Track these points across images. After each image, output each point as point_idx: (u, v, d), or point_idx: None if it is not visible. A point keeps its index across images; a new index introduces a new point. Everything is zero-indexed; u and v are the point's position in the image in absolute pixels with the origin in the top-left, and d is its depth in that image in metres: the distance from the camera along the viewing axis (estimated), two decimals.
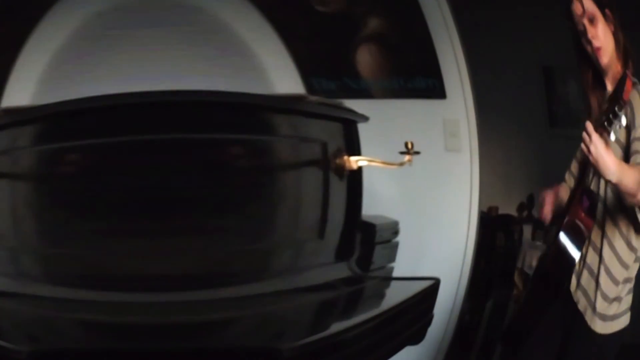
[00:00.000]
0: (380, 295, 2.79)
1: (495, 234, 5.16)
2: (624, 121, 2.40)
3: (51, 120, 2.40)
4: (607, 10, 2.67)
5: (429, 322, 2.86)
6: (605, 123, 2.42)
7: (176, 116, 2.36)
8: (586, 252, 2.64)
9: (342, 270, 2.74)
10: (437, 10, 3.84)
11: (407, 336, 2.67)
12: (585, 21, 2.65)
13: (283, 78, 3.76)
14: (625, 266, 2.61)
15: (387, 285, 2.89)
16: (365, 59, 3.86)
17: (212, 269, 2.36)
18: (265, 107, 2.52)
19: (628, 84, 2.40)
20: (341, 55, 3.84)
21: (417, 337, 2.78)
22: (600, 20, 2.65)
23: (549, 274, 2.63)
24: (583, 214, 2.57)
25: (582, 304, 2.64)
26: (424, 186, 3.81)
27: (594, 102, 2.72)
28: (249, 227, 2.42)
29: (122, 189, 2.33)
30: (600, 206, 2.62)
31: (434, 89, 3.85)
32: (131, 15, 3.57)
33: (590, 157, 2.41)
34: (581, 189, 2.65)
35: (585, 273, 2.65)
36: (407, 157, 2.80)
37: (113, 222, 2.33)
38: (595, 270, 2.63)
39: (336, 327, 2.28)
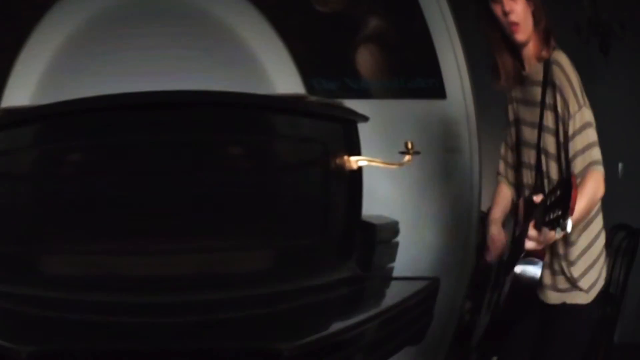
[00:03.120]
0: (380, 295, 2.79)
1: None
2: (569, 228, 2.25)
3: (51, 120, 2.40)
4: None
5: (429, 322, 2.86)
6: (551, 227, 2.31)
7: (176, 116, 2.36)
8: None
9: (342, 270, 2.74)
10: (437, 10, 3.83)
11: (407, 336, 2.67)
12: None
13: (283, 78, 3.76)
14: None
15: (387, 285, 2.89)
16: (365, 59, 3.85)
17: (212, 270, 2.37)
18: (265, 107, 2.52)
19: (574, 194, 2.24)
20: (341, 55, 3.84)
21: (417, 337, 2.78)
22: None
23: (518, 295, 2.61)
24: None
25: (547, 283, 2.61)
26: (424, 186, 3.81)
27: (502, 65, 2.61)
28: (249, 227, 2.42)
29: (122, 189, 2.33)
30: (546, 182, 2.58)
31: (434, 89, 3.84)
32: (131, 16, 3.57)
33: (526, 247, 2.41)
34: (526, 201, 2.59)
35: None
36: (407, 157, 2.80)
37: (113, 223, 2.33)
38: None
39: (336, 327, 2.28)
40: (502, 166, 2.82)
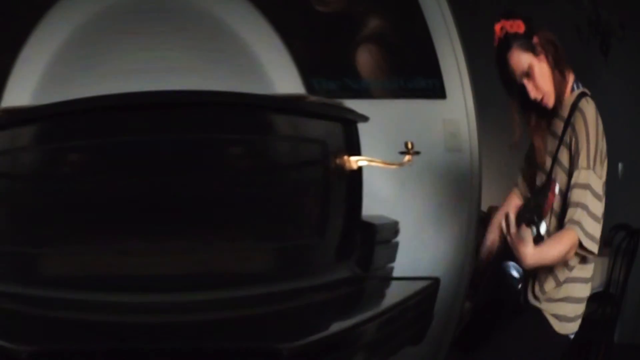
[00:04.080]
0: (380, 295, 2.79)
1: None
2: (543, 229, 2.41)
3: (51, 120, 2.40)
4: (534, 39, 2.57)
5: (429, 322, 2.86)
6: (527, 222, 2.43)
7: (176, 116, 2.36)
8: None
9: (342, 270, 2.74)
10: (437, 10, 3.83)
11: (407, 336, 2.67)
12: (524, 80, 2.59)
13: (283, 78, 3.76)
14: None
15: (387, 285, 2.89)
16: (365, 59, 3.85)
17: (212, 270, 2.37)
18: (265, 107, 2.52)
19: (551, 197, 2.39)
20: (341, 55, 3.84)
21: (417, 337, 2.78)
22: (535, 64, 2.57)
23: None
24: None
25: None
26: (424, 186, 3.81)
27: (537, 141, 2.69)
28: (249, 227, 2.42)
29: (122, 189, 2.33)
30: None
31: (434, 89, 3.84)
32: (131, 16, 3.57)
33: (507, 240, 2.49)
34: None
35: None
36: (407, 157, 2.80)
37: (113, 223, 2.33)
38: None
39: (336, 327, 2.28)
40: (520, 179, 2.87)
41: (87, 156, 2.39)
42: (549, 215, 2.57)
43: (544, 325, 2.60)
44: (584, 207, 2.50)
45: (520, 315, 2.63)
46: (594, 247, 2.53)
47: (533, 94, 2.59)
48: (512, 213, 2.52)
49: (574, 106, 2.57)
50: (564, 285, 2.60)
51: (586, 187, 2.51)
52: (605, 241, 2.70)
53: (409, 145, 2.80)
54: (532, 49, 2.57)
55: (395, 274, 3.01)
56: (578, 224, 2.50)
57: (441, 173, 3.83)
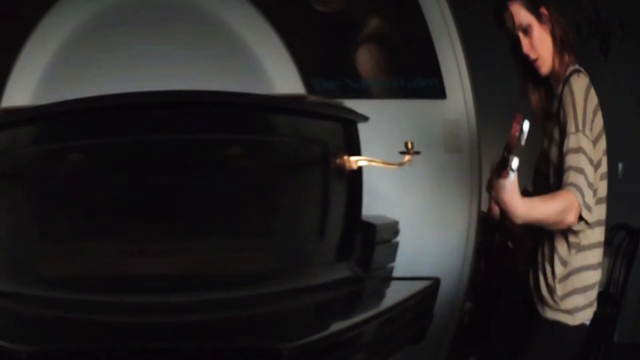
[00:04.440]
0: (380, 295, 2.79)
1: (495, 234, 5.15)
2: (515, 164, 2.30)
3: (51, 120, 2.40)
4: (542, 9, 2.57)
5: (429, 322, 2.86)
6: (501, 166, 2.34)
7: (176, 116, 2.36)
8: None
9: (342, 270, 2.74)
10: (437, 10, 3.83)
11: (407, 336, 2.67)
12: (519, 33, 2.56)
13: (283, 78, 3.75)
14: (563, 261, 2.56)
15: (387, 285, 2.89)
16: (365, 59, 3.85)
17: (212, 269, 2.36)
18: (265, 107, 2.52)
19: (514, 127, 2.28)
20: (341, 55, 3.84)
21: (417, 337, 2.78)
22: (535, 26, 2.56)
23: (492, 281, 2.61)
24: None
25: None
26: (424, 186, 3.81)
27: (534, 101, 2.65)
28: (249, 227, 2.42)
29: (122, 189, 2.33)
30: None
31: (434, 89, 3.84)
32: (131, 16, 3.56)
33: (493, 198, 2.41)
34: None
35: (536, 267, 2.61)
36: (407, 157, 2.80)
37: (113, 223, 2.33)
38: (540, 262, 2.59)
39: (336, 327, 2.28)
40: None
41: (87, 156, 2.39)
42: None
43: (557, 330, 2.55)
44: (580, 171, 2.43)
45: (531, 325, 2.59)
46: (589, 217, 2.44)
47: (526, 49, 2.56)
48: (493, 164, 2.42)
49: (565, 82, 2.54)
50: (570, 278, 2.55)
51: (578, 150, 2.44)
52: (605, 241, 2.66)
53: (409, 145, 2.80)
54: (536, 14, 2.55)
55: (395, 274, 3.01)
56: (575, 186, 2.41)
57: (441, 173, 3.83)
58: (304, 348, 2.04)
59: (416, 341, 2.78)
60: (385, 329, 2.44)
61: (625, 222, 4.57)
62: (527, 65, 2.62)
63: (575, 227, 2.47)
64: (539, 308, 2.59)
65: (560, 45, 2.57)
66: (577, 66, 2.58)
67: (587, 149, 2.46)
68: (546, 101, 2.66)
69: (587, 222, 2.45)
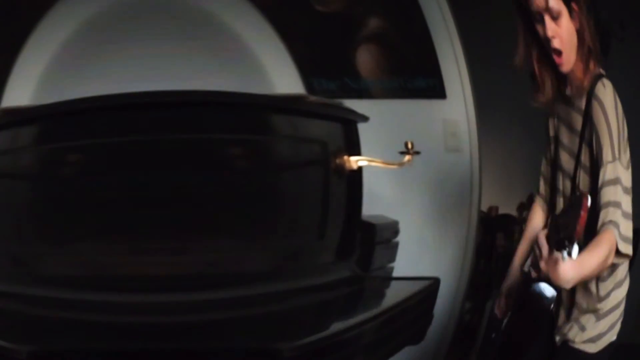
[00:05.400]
0: (380, 295, 2.78)
1: (495, 234, 5.16)
2: (575, 253, 2.17)
3: (51, 120, 2.40)
4: (573, 4, 2.36)
5: (429, 322, 2.86)
6: (557, 248, 2.19)
7: (176, 116, 2.36)
8: None
9: (342, 270, 2.73)
10: (437, 10, 3.84)
11: (407, 336, 2.67)
12: (547, 16, 2.35)
13: (283, 78, 3.76)
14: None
15: (387, 285, 2.89)
16: (365, 59, 3.86)
17: (212, 269, 2.36)
18: (265, 107, 2.52)
19: (583, 216, 2.11)
20: (341, 55, 3.84)
21: (417, 337, 2.78)
22: (565, 16, 2.36)
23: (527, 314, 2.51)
24: None
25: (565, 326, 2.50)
26: (424, 186, 3.81)
27: (545, 79, 2.45)
28: (249, 228, 2.42)
29: (122, 189, 2.33)
30: None
31: (434, 89, 3.85)
32: (131, 16, 3.57)
33: (540, 273, 2.27)
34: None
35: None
36: (407, 157, 2.80)
37: (113, 222, 2.33)
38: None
39: (336, 327, 2.27)
40: (541, 185, 2.67)
41: (87, 156, 2.39)
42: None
43: (576, 356, 2.46)
44: (617, 205, 2.30)
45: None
46: (629, 250, 2.31)
47: (552, 32, 2.35)
48: (542, 236, 2.27)
49: (590, 94, 2.39)
50: (609, 297, 2.45)
51: (616, 182, 2.31)
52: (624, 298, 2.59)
53: (409, 145, 2.80)
54: (567, 5, 2.35)
55: (395, 274, 3.01)
56: (614, 223, 2.28)
57: (441, 173, 3.83)
58: (304, 348, 2.04)
59: (416, 341, 2.78)
60: (385, 329, 2.43)
61: None
62: (543, 56, 2.43)
63: (616, 261, 2.35)
64: (559, 335, 2.50)
65: (587, 50, 2.39)
66: (600, 70, 2.43)
67: (623, 178, 2.33)
68: (555, 94, 2.48)
69: (627, 256, 2.33)
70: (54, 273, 2.38)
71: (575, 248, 2.18)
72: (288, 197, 2.53)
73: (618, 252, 2.30)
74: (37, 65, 3.56)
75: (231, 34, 3.69)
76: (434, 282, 2.90)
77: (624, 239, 2.30)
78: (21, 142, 2.44)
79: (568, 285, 2.26)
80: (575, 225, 2.12)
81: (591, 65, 2.42)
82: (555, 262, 2.21)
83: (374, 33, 3.84)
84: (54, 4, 3.60)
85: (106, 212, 2.33)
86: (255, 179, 2.44)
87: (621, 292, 2.50)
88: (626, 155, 2.38)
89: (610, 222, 2.29)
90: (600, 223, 2.30)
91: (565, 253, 2.17)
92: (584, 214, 2.12)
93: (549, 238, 2.26)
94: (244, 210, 2.40)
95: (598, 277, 2.43)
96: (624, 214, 2.32)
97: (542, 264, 2.26)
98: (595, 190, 2.35)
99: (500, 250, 5.16)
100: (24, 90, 3.51)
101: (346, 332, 2.24)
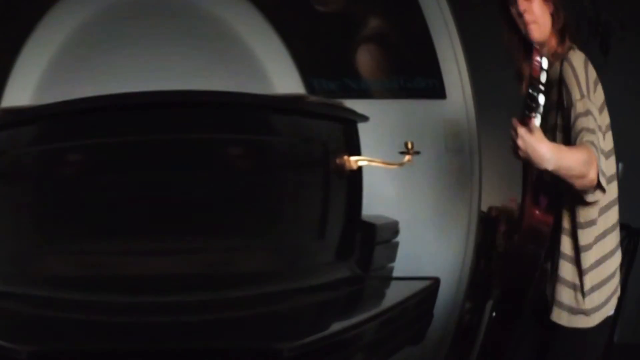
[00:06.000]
0: (380, 295, 2.79)
1: (495, 234, 5.16)
2: (541, 100, 2.21)
3: (51, 120, 2.40)
4: None
5: (428, 322, 2.86)
6: (526, 110, 2.26)
7: (176, 116, 2.36)
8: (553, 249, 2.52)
9: (342, 270, 2.74)
10: (437, 10, 3.83)
11: (407, 336, 2.67)
12: None
13: (283, 78, 3.76)
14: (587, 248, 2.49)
15: (387, 285, 2.89)
16: (365, 59, 3.85)
17: (212, 270, 2.37)
18: (265, 107, 2.52)
19: (535, 60, 2.19)
20: (341, 55, 3.84)
21: (417, 337, 2.78)
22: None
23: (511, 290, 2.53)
24: (539, 214, 2.46)
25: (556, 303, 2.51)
26: (424, 186, 3.81)
27: (526, 68, 2.50)
28: (249, 227, 2.42)
29: (122, 189, 2.33)
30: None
31: (434, 89, 3.85)
32: (130, 16, 3.57)
33: (520, 153, 2.29)
34: (532, 187, 2.49)
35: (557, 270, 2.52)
36: (407, 157, 2.80)
37: (113, 222, 2.33)
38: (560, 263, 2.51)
39: (336, 327, 2.28)
40: None
41: (87, 156, 2.39)
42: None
43: (577, 336, 2.48)
44: (593, 131, 2.35)
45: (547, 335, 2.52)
46: (604, 182, 2.35)
47: (522, 7, 2.47)
48: (514, 119, 2.31)
49: (561, 62, 2.46)
50: (596, 269, 2.48)
51: (587, 113, 2.36)
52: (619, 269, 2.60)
53: (409, 145, 2.80)
54: None
55: (395, 274, 3.01)
56: (591, 143, 2.32)
57: (441, 173, 3.83)
58: (304, 348, 2.05)
59: (416, 341, 2.78)
60: (385, 329, 2.44)
61: (626, 222, 4.57)
62: (515, 24, 2.53)
63: (591, 198, 2.39)
64: (554, 312, 2.51)
65: (562, 26, 2.48)
66: (574, 47, 2.51)
67: (595, 113, 2.39)
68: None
69: (603, 190, 2.37)
70: (53, 273, 2.38)
71: (541, 96, 2.21)
72: (288, 197, 2.54)
73: (594, 185, 2.32)
74: (37, 65, 3.56)
75: (231, 34, 3.69)
76: (434, 282, 2.90)
77: (602, 172, 2.33)
78: (21, 142, 2.44)
79: (548, 164, 2.27)
80: (531, 72, 2.18)
81: (567, 41, 2.50)
82: (532, 136, 2.24)
83: (374, 33, 3.84)
84: (54, 4, 3.60)
85: (106, 212, 2.33)
86: (256, 179, 2.44)
87: (614, 262, 2.55)
88: (595, 103, 2.41)
89: (589, 142, 2.32)
90: (577, 143, 2.34)
91: (533, 112, 2.22)
92: (536, 58, 2.19)
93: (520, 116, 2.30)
94: (244, 210, 2.40)
95: (582, 248, 2.46)
96: (600, 149, 2.35)
97: (520, 142, 2.27)
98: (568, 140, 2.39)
99: (500, 250, 5.15)
100: (24, 90, 3.51)
101: (346, 332, 2.24)
